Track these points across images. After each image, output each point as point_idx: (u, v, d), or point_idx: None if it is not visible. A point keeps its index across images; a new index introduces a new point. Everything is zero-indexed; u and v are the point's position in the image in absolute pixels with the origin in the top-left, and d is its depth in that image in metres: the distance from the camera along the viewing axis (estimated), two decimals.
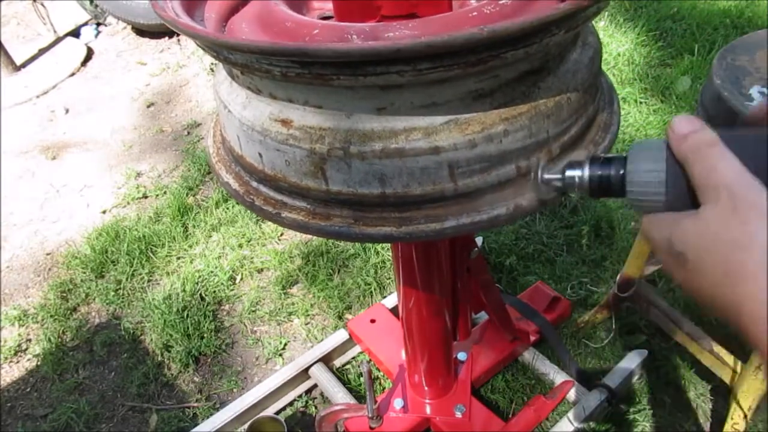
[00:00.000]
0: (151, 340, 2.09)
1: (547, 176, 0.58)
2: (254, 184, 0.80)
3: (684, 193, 0.45)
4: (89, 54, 4.06)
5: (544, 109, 0.66)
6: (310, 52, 0.55)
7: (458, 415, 1.60)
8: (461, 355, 1.73)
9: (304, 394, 1.85)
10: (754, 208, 0.40)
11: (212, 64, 3.62)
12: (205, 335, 2.07)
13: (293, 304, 2.17)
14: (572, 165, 0.54)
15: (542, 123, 0.66)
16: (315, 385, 1.86)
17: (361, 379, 1.86)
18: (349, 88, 0.62)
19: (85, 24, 4.32)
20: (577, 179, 0.54)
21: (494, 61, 0.57)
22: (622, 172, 0.50)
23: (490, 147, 0.64)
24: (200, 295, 2.22)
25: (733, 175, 0.42)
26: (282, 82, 0.66)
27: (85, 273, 2.37)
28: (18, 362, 2.12)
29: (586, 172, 0.53)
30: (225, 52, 0.66)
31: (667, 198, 0.47)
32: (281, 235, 2.45)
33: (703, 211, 0.43)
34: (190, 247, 2.43)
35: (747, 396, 1.43)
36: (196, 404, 1.90)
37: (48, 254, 2.54)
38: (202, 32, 0.69)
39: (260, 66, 0.63)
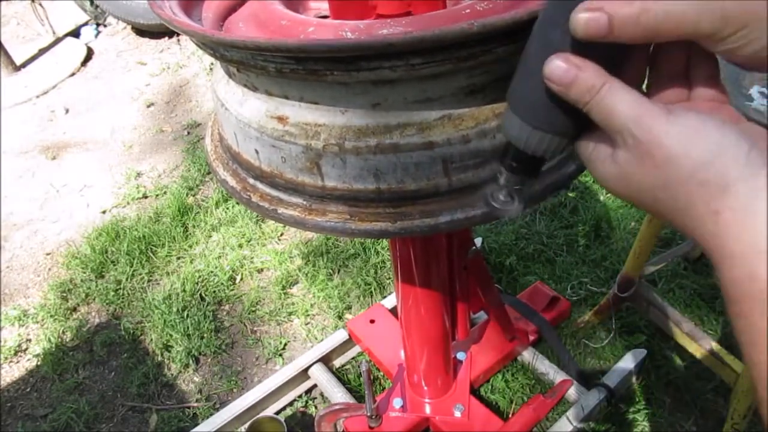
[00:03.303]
0: (151, 340, 2.09)
1: (502, 198, 0.54)
2: (251, 180, 0.80)
3: (565, 120, 0.44)
4: (89, 54, 4.07)
5: None
6: (304, 48, 0.55)
7: (457, 414, 1.60)
8: (460, 355, 1.73)
9: (303, 394, 1.85)
10: (659, 148, 0.38)
11: (212, 64, 3.63)
12: (205, 335, 2.07)
13: (293, 304, 2.17)
14: (498, 174, 0.52)
15: None
16: (315, 385, 1.87)
17: (361, 379, 1.86)
18: (343, 83, 0.62)
19: (85, 24, 4.34)
20: (509, 181, 0.52)
21: (486, 56, 0.57)
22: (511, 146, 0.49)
23: (483, 142, 0.64)
24: (200, 295, 2.22)
25: (631, 114, 0.39)
26: (277, 79, 0.67)
27: (85, 273, 2.38)
28: (18, 362, 2.12)
29: (504, 170, 0.51)
30: (221, 49, 0.66)
31: (549, 136, 0.45)
32: (281, 235, 2.45)
33: (617, 156, 0.41)
34: (190, 247, 2.43)
35: (747, 396, 1.43)
36: (196, 404, 1.90)
37: (48, 254, 2.54)
38: (198, 29, 0.69)
39: (255, 62, 0.63)
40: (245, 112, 0.74)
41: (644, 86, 0.46)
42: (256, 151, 0.74)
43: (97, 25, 4.34)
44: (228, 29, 0.84)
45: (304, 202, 0.73)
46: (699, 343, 1.63)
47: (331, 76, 0.60)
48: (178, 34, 3.90)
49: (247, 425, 1.67)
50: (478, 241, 2.25)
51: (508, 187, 0.52)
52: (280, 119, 0.69)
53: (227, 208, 2.58)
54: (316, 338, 2.04)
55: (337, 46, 0.55)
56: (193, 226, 2.52)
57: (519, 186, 0.52)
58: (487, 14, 0.65)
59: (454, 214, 0.67)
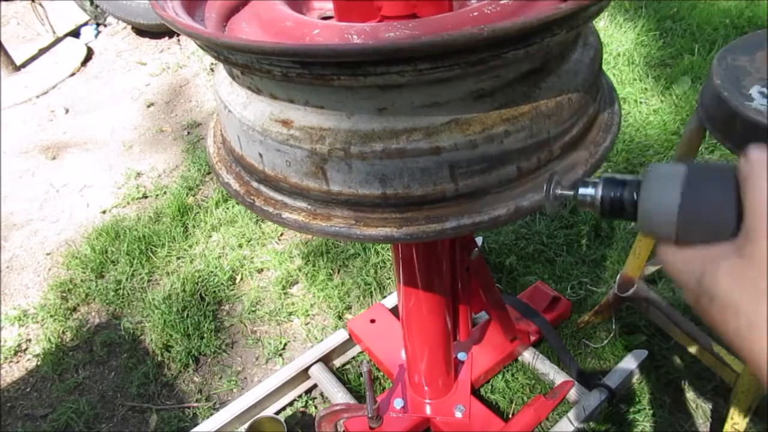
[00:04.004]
0: (151, 340, 2.09)
1: (559, 192, 0.55)
2: (255, 184, 0.80)
3: (707, 224, 0.43)
4: (89, 54, 4.06)
5: (545, 109, 0.65)
6: (311, 52, 0.55)
7: (458, 415, 1.60)
8: (461, 355, 1.73)
9: (304, 394, 1.85)
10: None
11: (212, 64, 3.62)
12: (205, 335, 2.07)
13: (293, 304, 2.17)
14: (586, 183, 0.52)
15: (543, 123, 0.66)
16: (315, 385, 1.86)
17: (361, 379, 1.85)
18: (349, 88, 0.61)
19: (85, 24, 4.32)
20: (589, 198, 0.52)
21: (495, 60, 0.57)
22: (635, 196, 0.48)
23: (491, 147, 0.64)
24: (200, 295, 2.22)
25: None
26: (282, 83, 0.66)
27: (85, 273, 2.37)
28: (18, 362, 2.12)
29: (599, 192, 0.50)
30: (225, 53, 0.66)
31: (679, 229, 0.44)
32: (281, 235, 2.45)
33: (746, 248, 0.38)
34: (190, 247, 2.43)
35: (747, 396, 1.43)
36: (196, 404, 1.90)
37: (48, 254, 2.54)
38: (203, 32, 0.68)
39: (261, 66, 0.63)
40: (249, 115, 0.73)
41: None
42: (260, 155, 0.74)
43: (97, 25, 4.33)
44: (231, 30, 0.84)
45: (309, 207, 0.73)
46: (699, 343, 1.63)
47: (337, 81, 0.59)
48: (178, 34, 3.88)
49: (247, 425, 1.67)
50: (478, 240, 2.25)
51: (580, 208, 0.54)
52: (285, 123, 0.69)
53: (227, 208, 2.57)
54: (316, 338, 2.03)
55: (345, 51, 0.54)
56: (193, 226, 2.52)
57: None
58: (494, 17, 0.64)
59: (460, 220, 0.67)
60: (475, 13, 0.66)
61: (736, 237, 0.40)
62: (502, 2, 0.68)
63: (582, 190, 0.52)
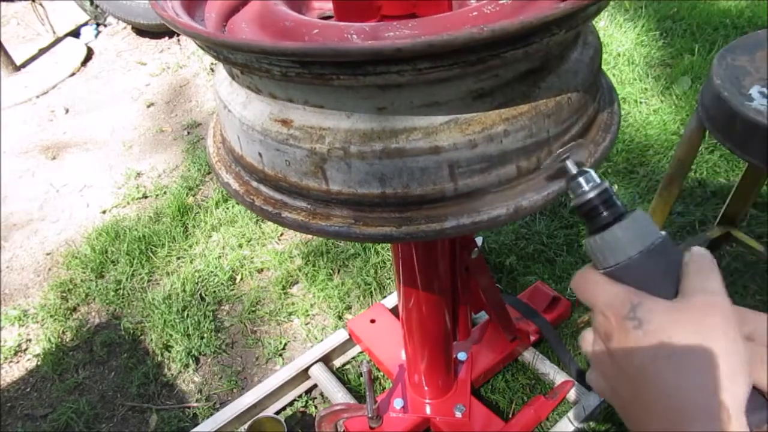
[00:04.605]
0: (151, 340, 2.09)
1: (568, 163, 0.55)
2: (254, 184, 0.80)
3: (650, 278, 0.48)
4: (89, 54, 4.06)
5: (544, 108, 0.65)
6: (310, 52, 0.55)
7: (458, 415, 1.60)
8: (461, 355, 1.73)
9: (304, 394, 1.85)
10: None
11: (212, 64, 3.63)
12: (205, 335, 2.07)
13: (293, 304, 2.17)
14: (589, 178, 0.52)
15: (543, 123, 0.66)
16: (315, 385, 1.87)
17: (361, 379, 1.86)
18: (349, 87, 0.61)
19: (85, 24, 4.33)
20: (579, 190, 0.52)
21: (494, 60, 0.57)
22: (608, 223, 0.50)
23: (490, 147, 0.64)
24: (200, 295, 2.22)
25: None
26: (282, 82, 0.66)
27: (85, 273, 2.37)
28: (18, 362, 2.12)
29: (591, 195, 0.51)
30: (225, 52, 0.65)
31: (621, 268, 0.48)
32: (281, 235, 2.45)
33: (682, 301, 0.46)
34: (190, 247, 2.43)
35: None
36: (196, 404, 1.90)
37: (48, 254, 2.54)
38: (202, 32, 0.68)
39: (260, 66, 0.63)
40: (249, 114, 0.73)
41: None
42: (260, 154, 0.74)
43: (97, 25, 4.33)
44: (231, 30, 0.84)
45: (309, 206, 0.73)
46: None
47: (337, 80, 0.59)
48: (178, 34, 3.88)
49: (247, 425, 1.67)
50: (478, 240, 2.25)
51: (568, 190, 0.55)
52: (285, 122, 0.69)
53: (227, 208, 2.57)
54: (316, 338, 2.03)
55: (345, 51, 0.54)
56: (193, 226, 2.52)
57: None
58: (494, 17, 0.64)
59: (460, 220, 0.67)
60: (475, 13, 0.66)
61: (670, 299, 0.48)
62: (502, 2, 0.68)
63: (581, 180, 0.52)
